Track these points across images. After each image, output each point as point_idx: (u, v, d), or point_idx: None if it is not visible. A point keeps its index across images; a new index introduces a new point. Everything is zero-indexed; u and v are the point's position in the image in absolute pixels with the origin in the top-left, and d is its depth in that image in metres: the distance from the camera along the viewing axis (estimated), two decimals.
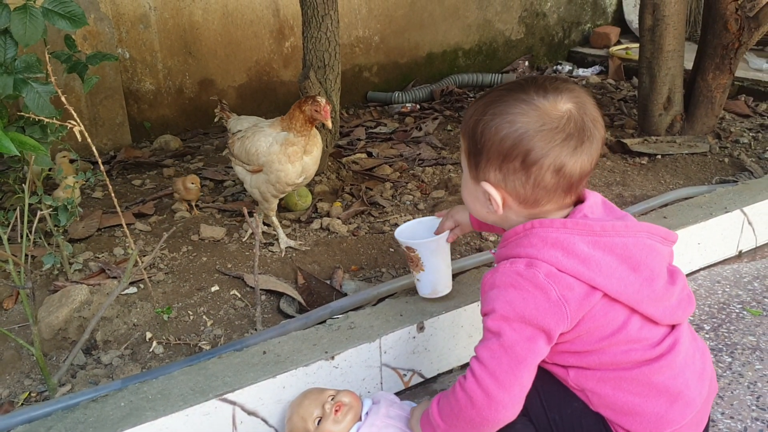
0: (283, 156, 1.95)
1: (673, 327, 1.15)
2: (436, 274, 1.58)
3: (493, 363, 1.08)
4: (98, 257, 2.11)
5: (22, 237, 1.53)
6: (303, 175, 2.01)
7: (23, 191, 1.88)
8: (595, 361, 1.12)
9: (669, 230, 1.15)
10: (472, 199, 1.21)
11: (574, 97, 1.09)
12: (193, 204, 2.41)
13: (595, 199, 1.16)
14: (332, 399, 1.35)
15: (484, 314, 1.12)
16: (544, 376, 1.18)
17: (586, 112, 1.09)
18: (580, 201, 1.16)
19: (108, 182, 1.57)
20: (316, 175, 2.48)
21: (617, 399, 1.12)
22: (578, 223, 1.09)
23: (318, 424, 1.32)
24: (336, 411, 1.32)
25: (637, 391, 1.11)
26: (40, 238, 1.98)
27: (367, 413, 1.35)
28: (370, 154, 3.06)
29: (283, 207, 2.39)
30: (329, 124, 1.93)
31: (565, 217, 1.14)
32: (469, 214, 1.47)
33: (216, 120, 2.36)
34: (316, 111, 1.91)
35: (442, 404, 1.19)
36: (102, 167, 1.56)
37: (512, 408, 1.10)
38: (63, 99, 1.51)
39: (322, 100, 1.90)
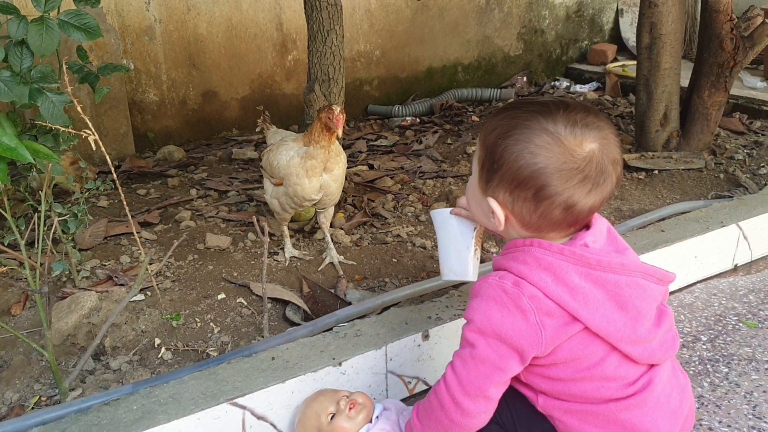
0: (301, 170, 1.97)
1: (652, 365, 1.16)
2: (441, 251, 1.54)
3: (463, 372, 1.12)
4: (105, 265, 2.14)
5: (37, 243, 1.56)
6: (322, 192, 2.02)
7: (31, 199, 1.91)
8: (565, 391, 1.13)
9: (666, 272, 1.14)
10: (475, 206, 1.21)
11: (600, 138, 1.07)
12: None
13: (600, 227, 1.15)
14: (347, 398, 1.39)
15: (465, 320, 1.15)
16: (516, 395, 1.21)
17: (608, 154, 1.07)
18: (585, 226, 1.15)
19: (120, 190, 1.61)
20: None
21: (581, 429, 1.14)
22: (575, 252, 1.08)
23: (331, 419, 1.36)
24: (350, 408, 1.36)
25: (603, 425, 1.12)
26: (47, 246, 2.01)
27: (377, 417, 1.38)
28: (371, 167, 3.10)
29: None
30: (339, 132, 1.94)
31: (567, 239, 1.14)
32: None
33: (258, 130, 2.41)
34: (329, 118, 1.92)
35: (420, 406, 1.24)
36: (115, 175, 1.59)
37: (478, 416, 1.14)
38: (79, 109, 1.55)
39: (337, 109, 1.92)
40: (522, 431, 1.23)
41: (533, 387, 1.17)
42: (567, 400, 1.14)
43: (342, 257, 2.16)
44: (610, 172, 1.08)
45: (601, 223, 1.16)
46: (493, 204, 1.12)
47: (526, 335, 1.07)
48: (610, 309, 1.08)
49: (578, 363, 1.10)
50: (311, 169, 1.97)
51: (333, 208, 2.17)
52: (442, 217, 1.49)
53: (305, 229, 2.39)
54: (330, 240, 2.17)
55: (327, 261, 2.14)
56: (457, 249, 1.49)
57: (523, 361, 1.10)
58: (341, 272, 2.10)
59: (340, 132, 1.93)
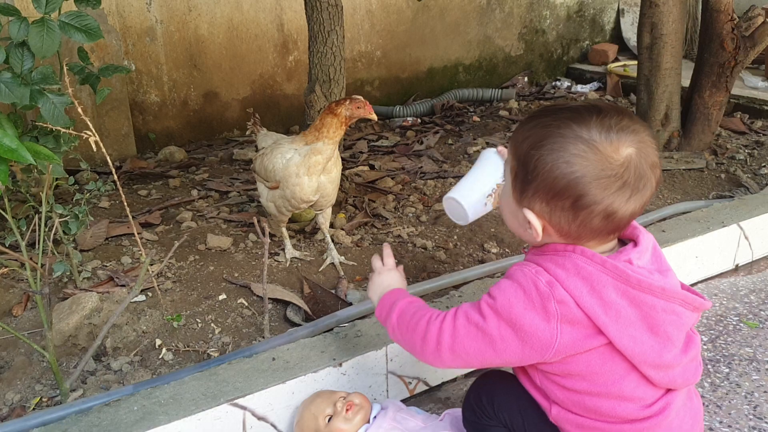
0: (302, 168, 1.96)
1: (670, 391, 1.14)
2: (465, 176, 1.46)
3: (463, 332, 1.11)
4: (106, 266, 2.14)
5: (38, 244, 1.56)
6: (318, 193, 2.02)
7: (33, 201, 1.92)
8: (580, 404, 1.11)
9: (703, 300, 1.10)
10: (510, 216, 1.17)
11: (637, 142, 1.03)
12: None
13: (646, 244, 1.11)
14: (344, 399, 1.39)
15: (489, 292, 1.12)
16: (528, 403, 1.21)
17: (646, 158, 1.04)
18: (633, 241, 1.12)
19: (121, 191, 1.61)
20: None
21: None
22: (617, 267, 1.05)
23: (328, 421, 1.36)
24: (347, 410, 1.36)
25: None
26: (48, 247, 2.01)
27: (375, 417, 1.39)
28: (372, 167, 3.10)
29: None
30: (375, 116, 1.91)
31: (611, 251, 1.11)
32: None
33: (248, 132, 2.41)
34: (358, 107, 1.89)
35: (409, 309, 1.22)
36: (116, 176, 1.60)
37: (446, 366, 1.16)
38: (80, 110, 1.55)
39: (360, 97, 1.91)
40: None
41: (548, 395, 1.15)
42: (581, 414, 1.12)
43: (343, 258, 2.17)
44: (649, 176, 1.04)
45: (647, 240, 1.12)
46: (530, 215, 1.08)
47: (539, 336, 1.05)
48: (640, 330, 1.06)
49: (595, 377, 1.08)
50: (314, 166, 1.96)
51: (331, 208, 2.17)
52: (488, 153, 1.41)
53: (306, 230, 2.39)
54: (330, 240, 2.17)
55: (328, 261, 2.14)
56: (479, 180, 1.40)
57: (527, 357, 1.08)
58: (342, 273, 2.10)
59: (374, 116, 1.91)
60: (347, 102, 1.91)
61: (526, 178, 1.07)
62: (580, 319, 1.04)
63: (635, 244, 1.11)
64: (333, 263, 2.14)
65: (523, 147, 1.08)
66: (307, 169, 1.96)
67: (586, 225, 1.05)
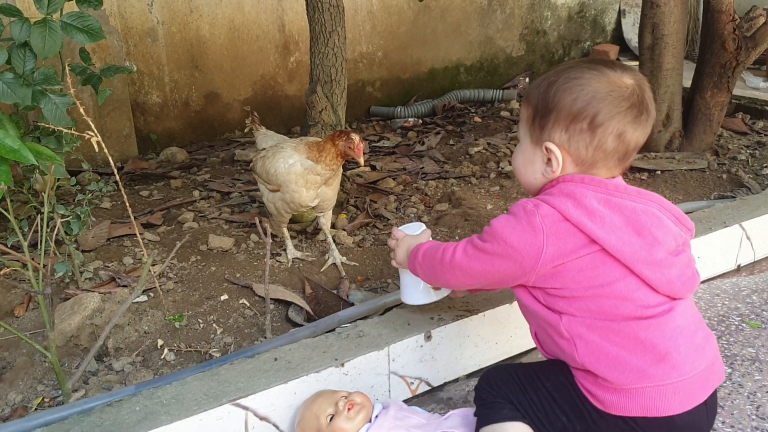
0: (301, 179, 1.97)
1: (673, 300, 1.20)
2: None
3: (471, 253, 1.28)
4: (108, 266, 2.14)
5: (40, 244, 1.56)
6: (318, 198, 2.03)
7: (35, 201, 1.92)
8: (582, 308, 1.18)
9: (684, 215, 1.24)
10: (527, 165, 1.29)
11: (636, 77, 1.22)
12: None
13: (620, 180, 1.27)
14: (345, 398, 1.39)
15: (490, 223, 1.26)
16: (525, 376, 1.30)
17: (646, 92, 1.21)
18: None
19: (123, 192, 1.61)
20: None
21: (603, 348, 1.17)
22: (594, 179, 1.20)
23: (330, 421, 1.36)
24: (349, 409, 1.36)
25: (623, 344, 1.16)
26: (50, 247, 2.01)
27: (376, 416, 1.38)
28: (373, 168, 3.10)
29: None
30: (362, 161, 1.95)
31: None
32: None
33: (246, 130, 2.41)
34: (350, 148, 1.93)
35: (432, 246, 1.40)
36: (118, 177, 1.60)
37: (459, 284, 1.39)
38: (81, 110, 1.55)
39: (356, 138, 1.93)
40: (530, 395, 1.28)
41: (555, 309, 1.22)
42: (587, 317, 1.18)
43: (344, 258, 2.17)
44: (649, 107, 1.21)
45: (619, 179, 1.27)
46: (552, 146, 1.22)
47: (528, 249, 1.17)
48: (627, 233, 1.16)
49: (591, 280, 1.17)
50: (312, 182, 1.99)
51: (332, 210, 2.17)
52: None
53: (308, 231, 2.39)
54: (332, 241, 2.18)
55: (329, 262, 2.14)
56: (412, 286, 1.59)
57: (521, 272, 1.20)
58: (344, 273, 2.10)
59: (362, 161, 1.94)
60: (343, 137, 1.94)
61: (546, 110, 1.22)
62: (567, 229, 1.16)
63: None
64: (335, 264, 2.14)
65: (540, 89, 1.24)
66: (305, 182, 1.98)
67: (601, 146, 1.19)
